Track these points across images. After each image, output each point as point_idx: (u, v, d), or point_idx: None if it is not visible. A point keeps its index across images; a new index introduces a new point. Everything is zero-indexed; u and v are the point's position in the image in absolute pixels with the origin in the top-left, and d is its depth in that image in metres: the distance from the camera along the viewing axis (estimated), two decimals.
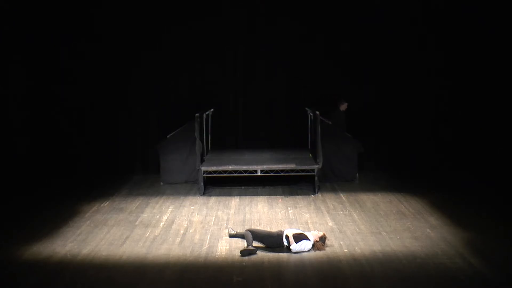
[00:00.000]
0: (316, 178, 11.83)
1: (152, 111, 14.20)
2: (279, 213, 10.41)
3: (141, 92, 14.13)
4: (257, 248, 8.31)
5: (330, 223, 9.72)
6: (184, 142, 12.51)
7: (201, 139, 12.40)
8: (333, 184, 12.57)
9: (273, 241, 8.38)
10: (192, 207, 10.92)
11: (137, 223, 9.90)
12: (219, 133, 14.24)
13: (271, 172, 11.90)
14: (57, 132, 13.86)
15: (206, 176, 12.11)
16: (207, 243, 8.74)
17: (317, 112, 11.95)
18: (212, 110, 13.89)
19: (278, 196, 11.69)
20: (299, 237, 8.32)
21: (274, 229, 9.10)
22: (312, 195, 11.68)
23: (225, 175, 12.01)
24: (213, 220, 10.04)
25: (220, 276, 7.49)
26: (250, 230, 8.47)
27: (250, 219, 10.10)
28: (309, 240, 8.33)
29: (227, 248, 8.51)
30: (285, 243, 8.32)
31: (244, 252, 8.18)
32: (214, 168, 11.93)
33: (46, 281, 7.40)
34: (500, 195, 11.34)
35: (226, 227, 9.35)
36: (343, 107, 13.34)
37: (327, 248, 8.37)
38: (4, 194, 11.55)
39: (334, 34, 13.97)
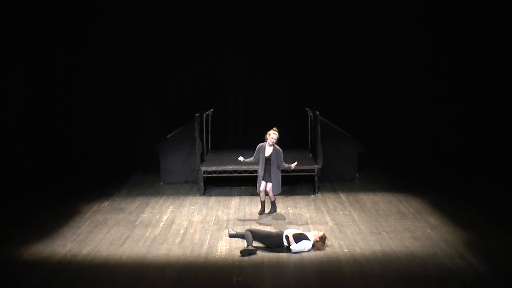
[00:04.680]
0: (316, 178, 11.82)
1: (152, 111, 14.20)
2: (279, 213, 10.40)
3: (141, 93, 14.13)
4: (257, 248, 8.31)
5: (330, 223, 9.71)
6: (184, 142, 12.51)
7: (201, 139, 12.40)
8: (333, 184, 12.56)
9: (273, 241, 8.38)
10: (192, 207, 10.91)
11: (137, 223, 9.90)
12: (219, 133, 14.24)
13: None
14: (57, 132, 13.87)
15: (206, 176, 12.11)
16: (207, 243, 8.73)
17: (317, 112, 11.94)
18: (212, 110, 13.88)
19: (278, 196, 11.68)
20: (299, 237, 8.31)
21: (274, 229, 9.10)
22: (312, 195, 11.67)
23: (225, 175, 12.01)
24: (213, 220, 10.03)
25: (220, 276, 7.49)
26: (250, 230, 8.47)
27: (250, 219, 10.10)
28: (309, 240, 8.33)
29: (227, 248, 8.50)
30: (285, 243, 8.31)
31: (244, 252, 8.17)
32: (214, 168, 11.93)
33: (46, 281, 7.40)
34: (500, 195, 11.34)
35: (226, 227, 9.34)
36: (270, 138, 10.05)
37: (327, 248, 8.37)
38: (4, 194, 11.55)
39: (335, 34, 13.97)
